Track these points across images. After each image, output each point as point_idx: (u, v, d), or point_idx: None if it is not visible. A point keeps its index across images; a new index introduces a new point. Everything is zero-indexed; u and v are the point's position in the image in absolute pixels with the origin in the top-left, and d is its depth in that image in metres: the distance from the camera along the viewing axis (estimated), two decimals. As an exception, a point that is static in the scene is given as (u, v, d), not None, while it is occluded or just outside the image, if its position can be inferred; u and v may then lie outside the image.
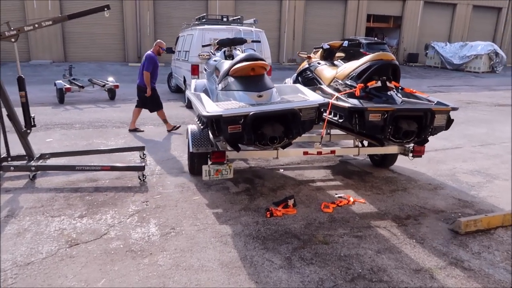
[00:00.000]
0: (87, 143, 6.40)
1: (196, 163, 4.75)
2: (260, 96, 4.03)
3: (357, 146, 4.83)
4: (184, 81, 10.11)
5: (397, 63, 4.55)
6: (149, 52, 7.09)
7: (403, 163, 5.48)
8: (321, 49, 5.95)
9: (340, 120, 4.37)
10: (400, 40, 26.67)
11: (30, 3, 18.33)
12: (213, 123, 3.68)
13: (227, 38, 5.52)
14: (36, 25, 4.60)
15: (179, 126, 7.33)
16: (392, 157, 5.32)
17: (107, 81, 10.96)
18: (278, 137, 3.67)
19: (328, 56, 5.91)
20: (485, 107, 11.27)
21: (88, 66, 17.94)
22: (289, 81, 6.46)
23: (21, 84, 4.68)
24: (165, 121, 7.32)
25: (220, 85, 4.61)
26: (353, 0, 24.41)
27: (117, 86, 10.71)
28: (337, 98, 4.47)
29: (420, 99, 4.62)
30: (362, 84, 4.43)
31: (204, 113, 3.62)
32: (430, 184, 4.87)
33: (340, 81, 4.95)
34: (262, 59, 4.25)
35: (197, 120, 4.33)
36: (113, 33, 20.17)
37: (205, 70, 5.76)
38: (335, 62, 5.85)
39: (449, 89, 15.73)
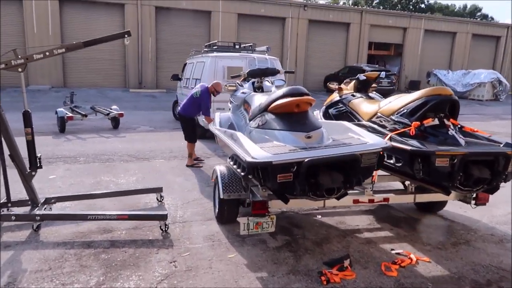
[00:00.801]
0: (95, 181, 5.75)
1: (226, 211, 4.14)
2: (309, 137, 3.46)
3: (412, 193, 4.24)
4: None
5: (456, 98, 4.06)
6: (206, 87, 6.62)
7: (448, 206, 4.89)
8: (356, 80, 5.47)
9: (398, 164, 3.81)
10: (402, 68, 26.65)
11: (30, 28, 17.88)
12: (258, 170, 3.10)
13: (258, 69, 5.01)
14: (48, 53, 4.03)
15: (201, 166, 6.71)
16: (442, 202, 4.75)
17: (111, 109, 10.40)
18: (336, 188, 3.10)
19: (363, 87, 5.43)
20: (507, 138, 10.81)
21: (88, 92, 17.41)
22: (318, 114, 5.92)
23: (27, 119, 4.06)
24: (190, 155, 6.76)
25: (254, 122, 4.05)
26: (355, 27, 24.45)
27: (121, 115, 10.17)
28: (391, 138, 3.93)
29: (482, 139, 4.11)
30: (418, 122, 3.92)
31: (249, 159, 3.04)
32: (493, 236, 4.28)
33: (385, 117, 4.43)
34: (307, 94, 3.71)
35: (232, 163, 3.73)
36: (114, 58, 19.71)
37: (231, 102, 5.22)
38: (370, 95, 5.36)
39: (459, 118, 15.32)
